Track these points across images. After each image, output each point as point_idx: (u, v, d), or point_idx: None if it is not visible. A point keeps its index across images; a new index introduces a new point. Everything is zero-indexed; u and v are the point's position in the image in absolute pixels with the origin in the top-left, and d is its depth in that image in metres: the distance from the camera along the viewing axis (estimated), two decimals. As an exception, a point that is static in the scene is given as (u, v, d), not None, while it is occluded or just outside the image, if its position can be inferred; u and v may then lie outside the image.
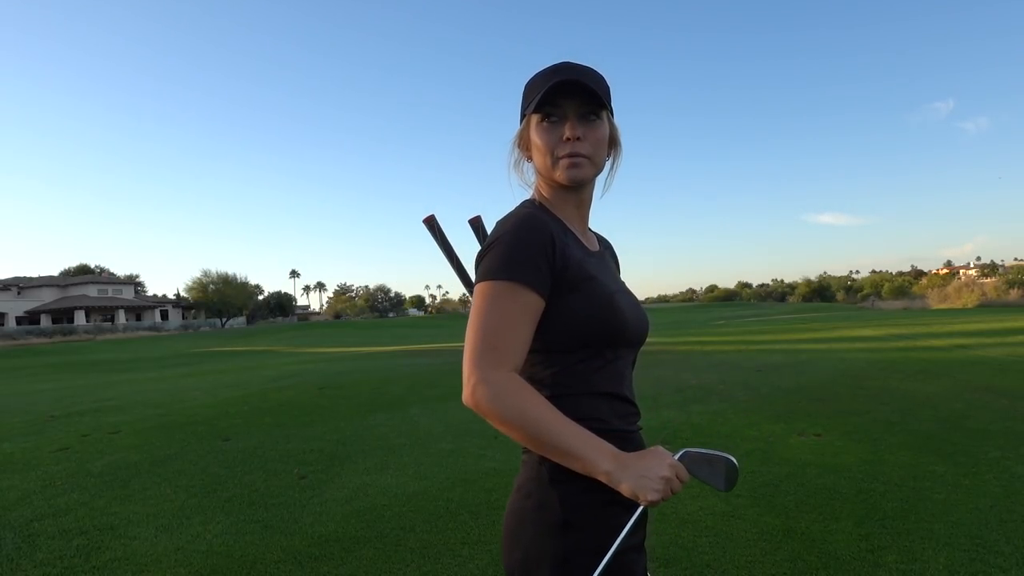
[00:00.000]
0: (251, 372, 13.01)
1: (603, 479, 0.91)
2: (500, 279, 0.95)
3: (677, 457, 0.95)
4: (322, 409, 7.17)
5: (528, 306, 0.96)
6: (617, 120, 1.14)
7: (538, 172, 1.12)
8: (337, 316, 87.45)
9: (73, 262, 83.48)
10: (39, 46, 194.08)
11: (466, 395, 0.93)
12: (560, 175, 1.06)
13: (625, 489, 0.89)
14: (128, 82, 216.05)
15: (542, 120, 1.07)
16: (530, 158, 1.13)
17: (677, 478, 0.92)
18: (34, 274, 68.10)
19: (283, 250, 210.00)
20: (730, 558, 2.79)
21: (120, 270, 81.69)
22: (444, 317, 71.13)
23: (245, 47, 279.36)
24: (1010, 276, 45.92)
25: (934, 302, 43.65)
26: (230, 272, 67.74)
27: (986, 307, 33.32)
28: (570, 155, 1.05)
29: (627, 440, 1.04)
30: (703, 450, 0.97)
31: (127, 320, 58.94)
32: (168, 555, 3.05)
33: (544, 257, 0.98)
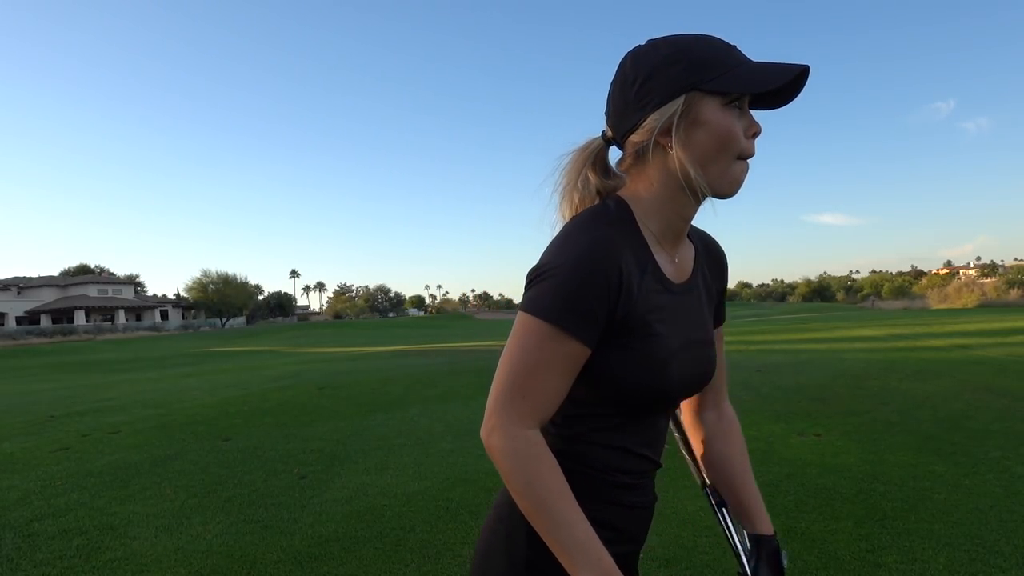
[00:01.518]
0: (251, 372, 13.01)
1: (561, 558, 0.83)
2: (547, 320, 0.81)
3: None
4: (322, 409, 7.17)
5: (571, 358, 0.83)
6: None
7: (658, 170, 0.88)
8: (337, 316, 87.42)
9: (73, 262, 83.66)
10: (40, 49, 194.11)
11: (482, 432, 0.85)
12: (730, 183, 0.86)
13: None
14: (128, 83, 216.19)
15: (729, 103, 0.83)
16: (664, 147, 0.86)
17: None
18: (34, 274, 68.22)
19: (283, 250, 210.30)
20: (730, 558, 2.78)
21: (120, 270, 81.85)
22: (444, 317, 71.16)
23: (246, 51, 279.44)
24: (1010, 276, 45.89)
25: (934, 302, 43.62)
26: (230, 272, 67.88)
27: (986, 307, 33.30)
28: (749, 158, 0.86)
29: (632, 489, 0.95)
30: None
31: (127, 320, 58.94)
32: (168, 555, 3.05)
33: (604, 303, 0.82)
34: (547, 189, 0.97)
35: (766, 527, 1.05)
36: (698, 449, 1.11)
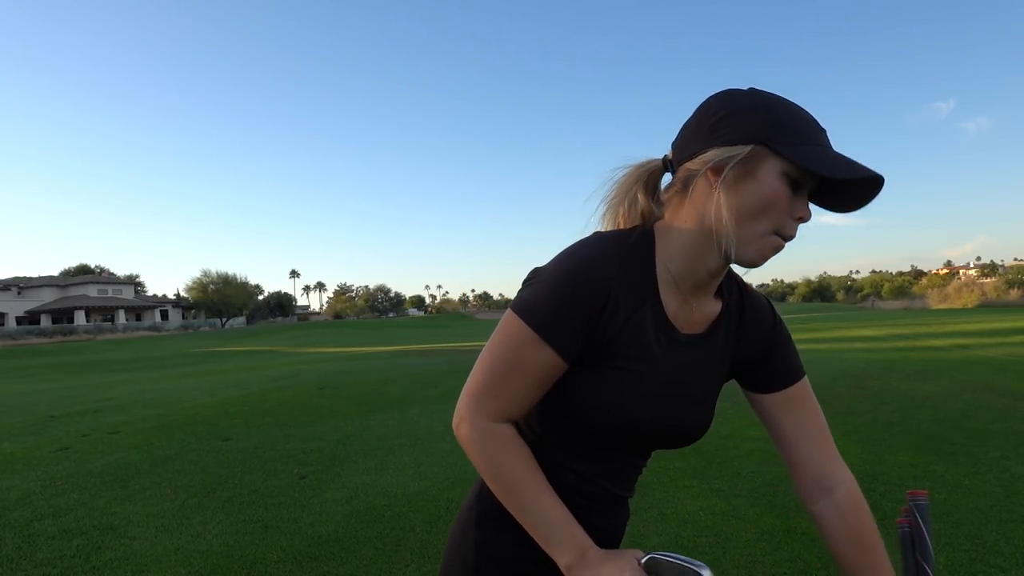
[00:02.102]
0: (251, 372, 13.01)
1: (562, 569, 0.82)
2: (530, 324, 0.81)
3: (643, 561, 0.82)
4: (322, 409, 7.17)
5: (547, 367, 0.83)
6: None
7: (696, 207, 0.84)
8: (337, 316, 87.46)
9: (73, 262, 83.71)
10: (39, 49, 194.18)
11: (454, 421, 0.87)
12: (757, 250, 0.82)
13: None
14: (128, 83, 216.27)
15: (787, 183, 0.79)
16: (711, 184, 0.82)
17: None
18: (34, 274, 68.26)
19: (283, 250, 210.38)
20: (730, 558, 2.79)
21: (120, 270, 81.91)
22: (444, 317, 71.17)
23: (246, 51, 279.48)
24: (1010, 276, 45.93)
25: (934, 302, 43.65)
26: (230, 272, 67.88)
27: (986, 307, 33.31)
28: (787, 239, 0.83)
29: (589, 511, 0.93)
30: (676, 558, 0.81)
31: (127, 320, 58.95)
32: (168, 555, 3.05)
33: (586, 320, 0.82)
34: (588, 201, 0.94)
35: None
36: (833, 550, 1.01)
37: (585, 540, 0.82)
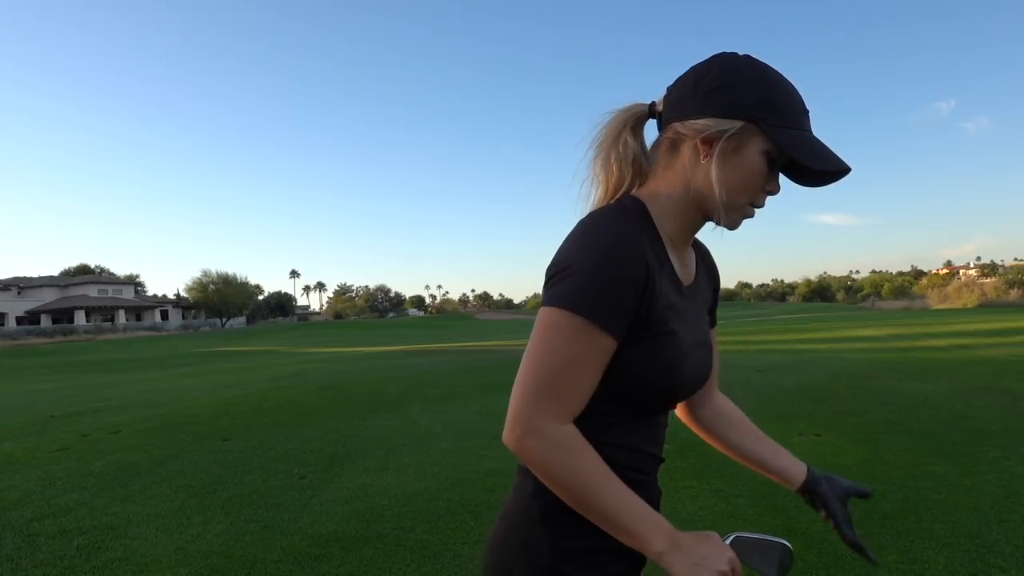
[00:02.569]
0: (251, 372, 13.01)
1: (652, 558, 0.82)
2: (579, 313, 0.79)
3: (728, 541, 0.86)
4: (322, 409, 7.17)
5: (602, 352, 0.82)
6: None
7: (684, 172, 0.89)
8: (337, 316, 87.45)
9: (73, 262, 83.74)
10: (39, 48, 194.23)
11: (508, 437, 0.81)
12: (728, 220, 0.90)
13: (674, 570, 0.81)
14: (129, 84, 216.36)
15: (767, 161, 0.86)
16: (700, 154, 0.87)
17: (732, 572, 0.82)
18: (34, 274, 68.23)
19: (283, 250, 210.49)
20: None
21: (120, 270, 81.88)
22: (444, 317, 71.14)
23: (246, 51, 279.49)
24: (1010, 276, 45.90)
25: (934, 302, 43.63)
26: (230, 272, 67.83)
27: (986, 307, 33.30)
28: (758, 208, 0.91)
29: (639, 486, 0.92)
30: (757, 535, 0.87)
31: (127, 320, 58.94)
32: (168, 555, 3.05)
33: (633, 296, 0.82)
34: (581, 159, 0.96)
35: (801, 470, 1.08)
36: (709, 440, 1.15)
37: (668, 524, 0.82)
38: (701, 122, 0.86)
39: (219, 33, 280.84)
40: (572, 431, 0.81)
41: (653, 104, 0.93)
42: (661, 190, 0.91)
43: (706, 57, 0.91)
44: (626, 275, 0.81)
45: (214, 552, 3.06)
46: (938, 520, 3.12)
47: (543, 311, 0.82)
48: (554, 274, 0.83)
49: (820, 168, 0.84)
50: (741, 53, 0.90)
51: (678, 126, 0.88)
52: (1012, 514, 3.16)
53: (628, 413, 0.90)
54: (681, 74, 0.92)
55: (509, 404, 0.81)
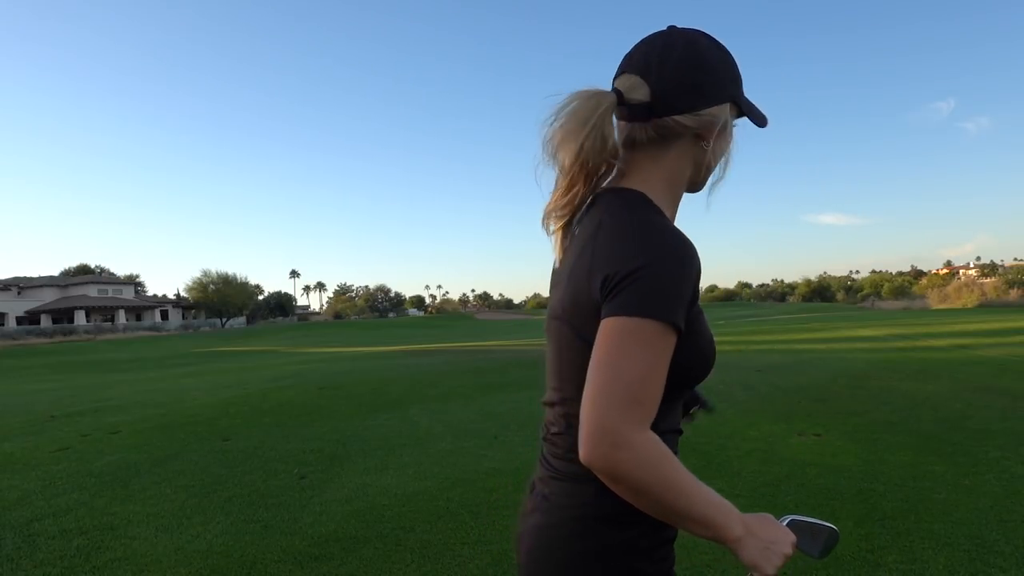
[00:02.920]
0: (251, 372, 13.02)
1: (728, 544, 0.83)
2: (657, 319, 0.78)
3: (786, 523, 0.91)
4: (322, 409, 7.17)
5: (672, 349, 0.82)
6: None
7: (678, 160, 0.93)
8: (337, 316, 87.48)
9: (73, 262, 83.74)
10: (38, 46, 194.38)
11: (594, 454, 0.77)
12: (703, 187, 0.99)
13: (746, 557, 0.83)
14: (129, 84, 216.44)
15: (733, 125, 0.94)
16: (698, 140, 0.92)
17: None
18: (34, 274, 68.20)
19: (283, 250, 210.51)
20: (730, 558, 2.78)
21: (120, 270, 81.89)
22: (444, 317, 71.19)
23: (246, 49, 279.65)
24: (1010, 276, 45.97)
25: (934, 302, 43.67)
26: (230, 272, 67.88)
27: (986, 307, 33.32)
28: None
29: None
30: (809, 519, 0.92)
31: (127, 320, 58.96)
32: (168, 555, 3.05)
33: (693, 291, 0.83)
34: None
35: None
36: None
37: (737, 510, 0.84)
38: (706, 113, 0.90)
39: (220, 30, 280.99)
40: (656, 437, 0.80)
41: (619, 92, 0.91)
42: (655, 182, 0.92)
43: (658, 34, 0.92)
44: (690, 275, 0.82)
45: (214, 552, 3.06)
46: (938, 520, 3.12)
47: (618, 320, 0.79)
48: (621, 279, 0.81)
49: (765, 125, 0.96)
50: (690, 28, 0.93)
51: (681, 119, 0.89)
52: (1012, 514, 3.16)
53: (672, 399, 0.91)
54: (642, 58, 0.90)
55: (586, 419, 0.78)
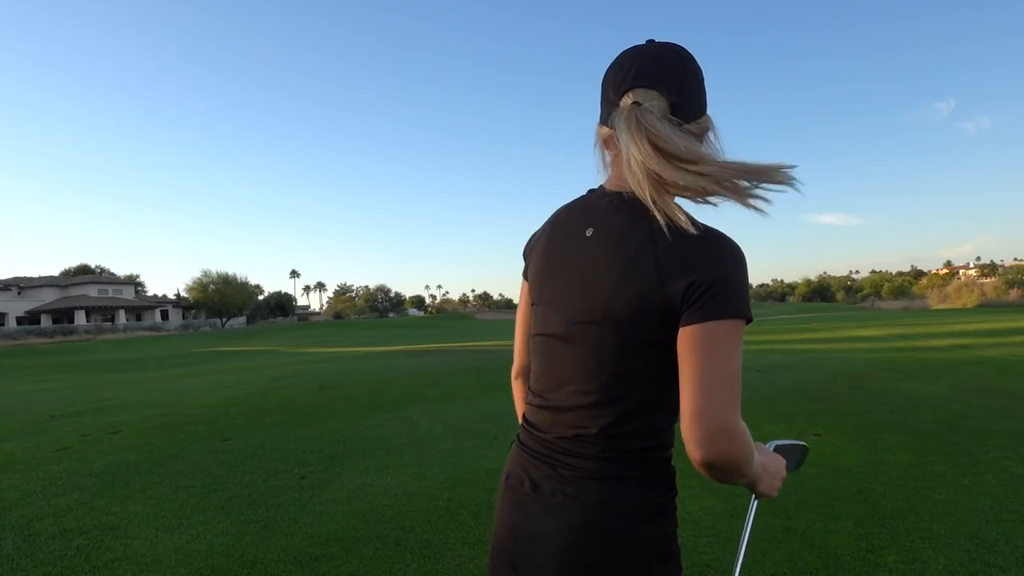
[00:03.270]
0: (251, 372, 13.01)
1: (749, 485, 0.97)
2: (743, 318, 0.89)
3: (772, 448, 1.07)
4: (322, 409, 7.17)
5: None
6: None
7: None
8: (337, 316, 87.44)
9: (73, 262, 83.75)
10: (41, 48, 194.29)
11: (715, 451, 0.84)
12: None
13: (762, 490, 1.00)
14: (129, 83, 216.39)
15: None
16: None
17: None
18: (34, 274, 68.23)
19: (283, 250, 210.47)
20: (730, 558, 2.79)
21: (120, 270, 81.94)
22: (444, 317, 71.16)
23: (246, 48, 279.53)
24: (1010, 276, 45.95)
25: (934, 302, 43.67)
26: (230, 272, 67.84)
27: (986, 307, 33.31)
28: None
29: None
30: (788, 441, 1.11)
31: (127, 320, 58.95)
32: (168, 555, 3.05)
33: None
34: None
35: None
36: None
37: (757, 454, 0.97)
38: (704, 119, 1.00)
39: (220, 28, 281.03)
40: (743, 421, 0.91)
41: (637, 104, 0.96)
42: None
43: (665, 50, 0.99)
44: (748, 273, 0.93)
45: (214, 552, 3.06)
46: (938, 520, 3.12)
47: (716, 324, 0.86)
48: (709, 286, 0.86)
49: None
50: (681, 45, 1.00)
51: (690, 127, 0.97)
52: (1012, 514, 3.16)
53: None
54: (662, 74, 0.96)
55: (704, 421, 0.84)
